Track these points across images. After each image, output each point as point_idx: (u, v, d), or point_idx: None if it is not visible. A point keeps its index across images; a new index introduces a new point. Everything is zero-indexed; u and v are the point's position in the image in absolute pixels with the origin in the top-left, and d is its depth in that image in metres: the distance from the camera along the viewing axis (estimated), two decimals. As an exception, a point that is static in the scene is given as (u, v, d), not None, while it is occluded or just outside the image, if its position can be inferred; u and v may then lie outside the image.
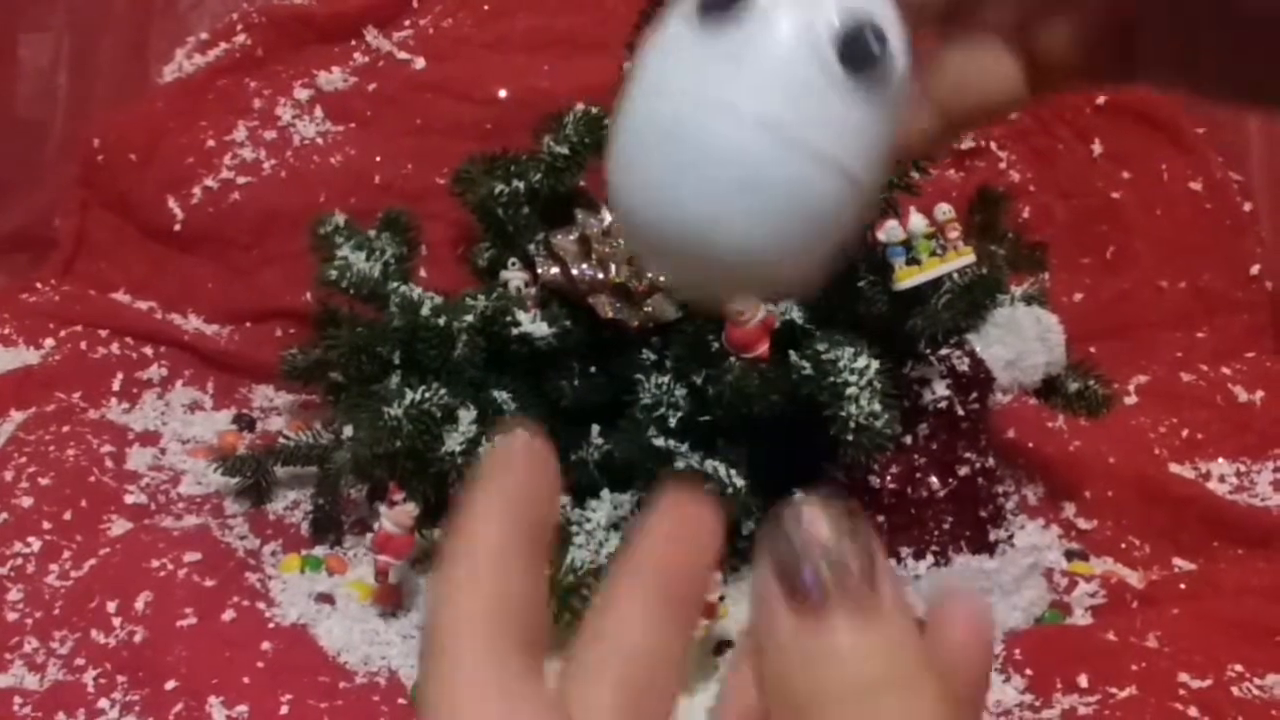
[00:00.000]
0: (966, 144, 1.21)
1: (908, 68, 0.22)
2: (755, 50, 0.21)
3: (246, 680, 0.75)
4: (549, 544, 0.24)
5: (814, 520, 0.20)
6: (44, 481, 0.92)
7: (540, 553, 0.23)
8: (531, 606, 0.22)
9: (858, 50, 0.21)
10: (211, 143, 1.19)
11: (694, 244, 0.21)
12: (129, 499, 0.93)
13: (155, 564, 0.83)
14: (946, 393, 0.91)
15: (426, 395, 0.83)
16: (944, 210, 0.89)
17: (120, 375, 1.11)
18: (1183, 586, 0.92)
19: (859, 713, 0.19)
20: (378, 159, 1.19)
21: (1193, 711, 0.74)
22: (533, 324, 0.88)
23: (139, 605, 0.80)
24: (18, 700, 0.73)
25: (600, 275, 0.90)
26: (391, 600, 0.88)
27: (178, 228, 1.18)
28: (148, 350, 1.15)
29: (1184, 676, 0.77)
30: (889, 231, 0.88)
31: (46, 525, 0.88)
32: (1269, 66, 0.27)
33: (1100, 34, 0.29)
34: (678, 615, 0.23)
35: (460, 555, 0.22)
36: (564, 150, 0.92)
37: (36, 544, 0.86)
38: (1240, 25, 0.27)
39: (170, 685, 0.74)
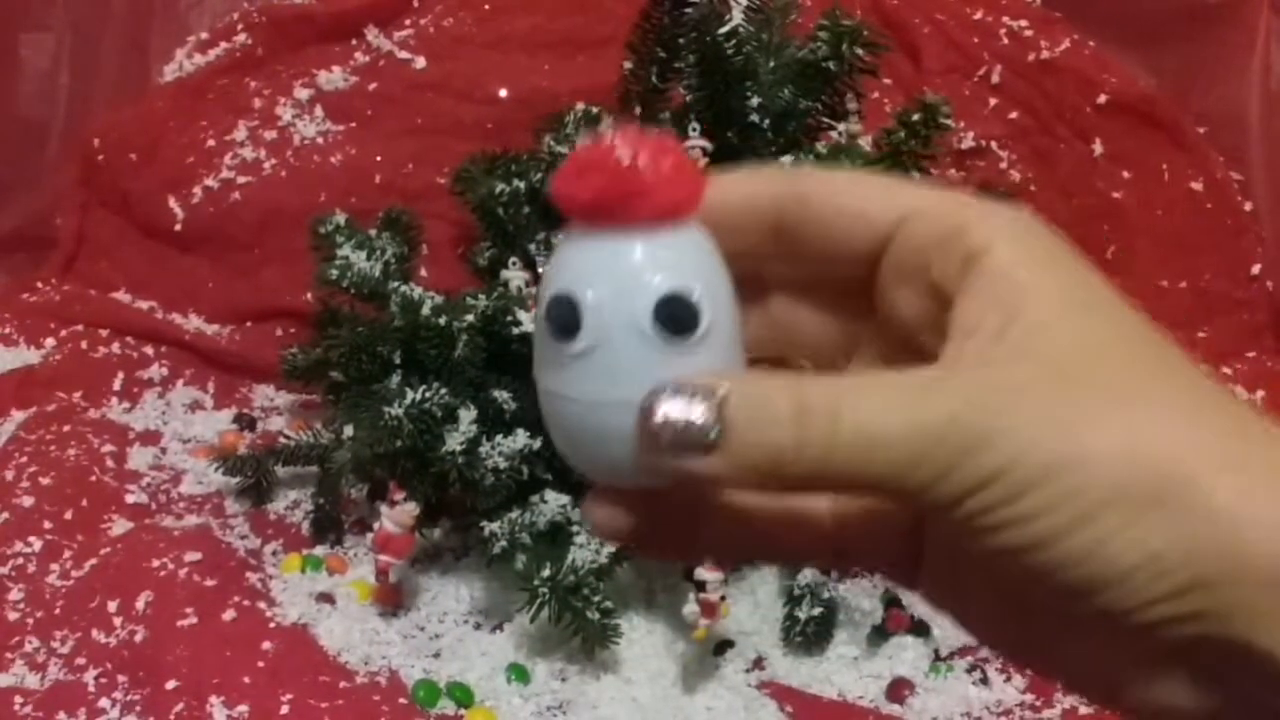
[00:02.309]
0: (967, 144, 1.21)
1: (731, 317, 0.27)
2: (598, 353, 0.26)
3: (247, 680, 0.75)
4: None
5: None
6: (45, 481, 0.92)
7: None
8: None
9: (674, 321, 0.25)
10: (212, 142, 1.19)
11: (605, 475, 0.28)
12: (130, 498, 0.94)
13: (156, 563, 0.84)
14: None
15: (427, 395, 0.83)
16: (945, 210, 0.89)
17: (121, 375, 1.11)
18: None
19: None
20: (378, 158, 1.19)
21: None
22: (533, 324, 0.88)
23: (140, 605, 0.80)
24: (18, 700, 0.73)
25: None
26: (392, 600, 0.88)
27: (178, 227, 1.18)
28: (148, 350, 1.15)
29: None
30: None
31: (47, 525, 0.88)
32: (1031, 630, 0.27)
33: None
34: None
35: None
36: (564, 150, 0.92)
37: (37, 543, 0.86)
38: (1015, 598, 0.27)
39: (171, 685, 0.74)
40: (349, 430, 0.85)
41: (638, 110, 0.95)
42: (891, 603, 0.89)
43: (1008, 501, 0.23)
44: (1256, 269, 1.23)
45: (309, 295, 1.07)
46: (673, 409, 0.24)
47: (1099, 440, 0.23)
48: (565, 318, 0.26)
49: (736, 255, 0.28)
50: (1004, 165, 1.23)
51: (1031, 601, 0.26)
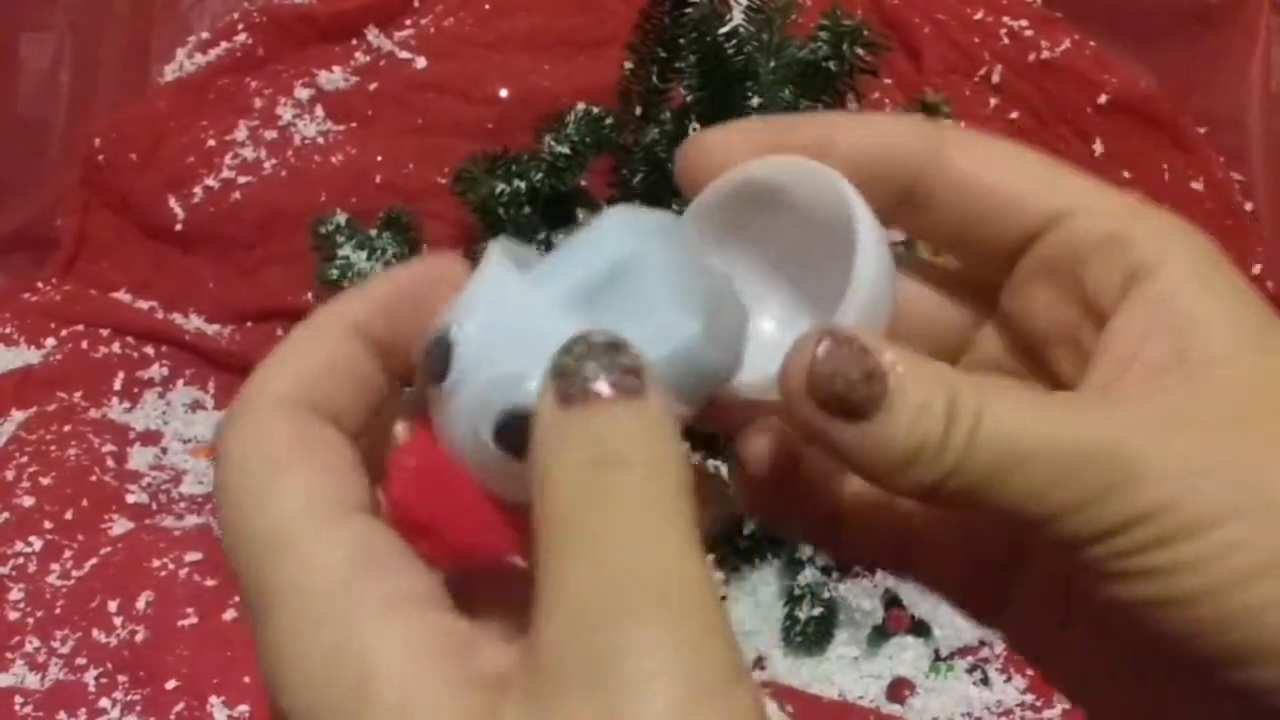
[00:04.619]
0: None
1: None
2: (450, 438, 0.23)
3: (248, 680, 0.75)
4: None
5: (594, 334, 0.21)
6: (45, 481, 0.92)
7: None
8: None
9: (510, 438, 0.22)
10: (212, 142, 1.19)
11: None
12: (130, 498, 0.94)
13: (156, 563, 0.84)
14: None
15: (427, 395, 0.83)
16: (945, 210, 0.89)
17: (121, 375, 1.11)
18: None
19: (598, 480, 0.19)
20: (379, 158, 1.19)
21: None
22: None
23: (140, 604, 0.80)
24: (19, 699, 0.73)
25: (601, 275, 0.90)
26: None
27: (179, 227, 1.18)
28: (149, 350, 1.15)
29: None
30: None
31: (48, 524, 0.88)
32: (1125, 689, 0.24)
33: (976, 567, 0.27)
34: (377, 345, 0.24)
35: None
36: (565, 150, 0.92)
37: (38, 543, 0.86)
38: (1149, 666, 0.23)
39: (171, 685, 0.74)
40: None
41: (638, 110, 0.95)
42: (892, 603, 0.89)
43: (1157, 546, 0.21)
44: (1257, 269, 1.22)
45: (310, 295, 1.07)
46: (841, 359, 0.21)
47: (1275, 492, 0.21)
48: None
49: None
50: (1004, 165, 1.22)
51: (1153, 665, 0.23)
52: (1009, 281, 0.26)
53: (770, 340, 0.25)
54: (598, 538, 0.19)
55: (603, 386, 0.20)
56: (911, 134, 0.25)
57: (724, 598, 0.82)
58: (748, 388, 0.25)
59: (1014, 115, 1.22)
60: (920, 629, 0.88)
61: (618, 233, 0.23)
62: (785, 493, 0.27)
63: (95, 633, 0.78)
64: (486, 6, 1.24)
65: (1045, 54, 1.22)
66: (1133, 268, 0.23)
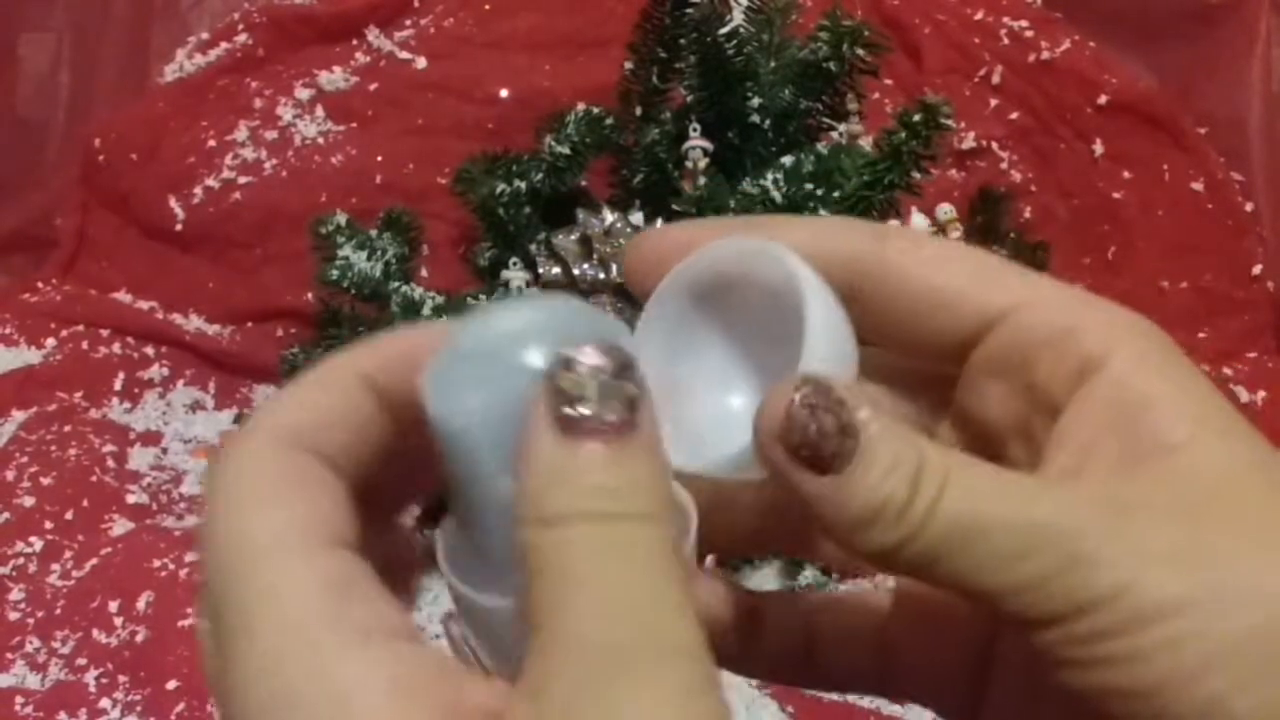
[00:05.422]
0: (967, 144, 1.21)
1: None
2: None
3: (248, 680, 0.75)
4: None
5: (593, 356, 0.20)
6: (45, 481, 0.92)
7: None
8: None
9: None
10: (212, 142, 1.19)
11: None
12: (130, 499, 0.94)
13: (157, 564, 0.83)
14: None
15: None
16: (945, 210, 0.89)
17: (122, 375, 1.11)
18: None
19: (596, 532, 0.20)
20: (379, 159, 1.19)
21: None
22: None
23: (140, 605, 0.80)
24: (19, 700, 0.73)
25: (602, 275, 0.90)
26: (393, 600, 0.88)
27: (179, 227, 1.18)
28: (149, 350, 1.15)
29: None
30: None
31: (48, 525, 0.88)
32: None
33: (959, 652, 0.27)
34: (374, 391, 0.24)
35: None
36: (565, 150, 0.92)
37: (38, 543, 0.86)
38: None
39: (172, 685, 0.74)
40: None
41: (638, 110, 0.95)
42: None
43: (1116, 633, 0.20)
44: (1257, 269, 1.23)
45: (310, 295, 1.07)
46: (817, 408, 0.22)
47: (1235, 579, 0.20)
48: None
49: None
50: (1004, 165, 1.23)
51: None
52: (961, 378, 0.26)
53: (739, 418, 0.24)
54: (600, 594, 0.19)
55: (606, 419, 0.20)
56: (853, 236, 0.25)
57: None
58: (715, 465, 0.24)
59: (1014, 115, 1.22)
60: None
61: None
62: (754, 631, 0.28)
63: (96, 633, 0.78)
64: (486, 6, 1.24)
65: (1045, 54, 1.22)
66: (1083, 358, 0.23)
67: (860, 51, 0.88)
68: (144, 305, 1.20)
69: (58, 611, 0.80)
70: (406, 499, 0.28)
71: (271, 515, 0.21)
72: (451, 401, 0.22)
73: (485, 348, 0.23)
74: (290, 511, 0.21)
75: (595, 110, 0.94)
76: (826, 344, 0.23)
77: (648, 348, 0.26)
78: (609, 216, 0.91)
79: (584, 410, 0.20)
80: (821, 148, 0.90)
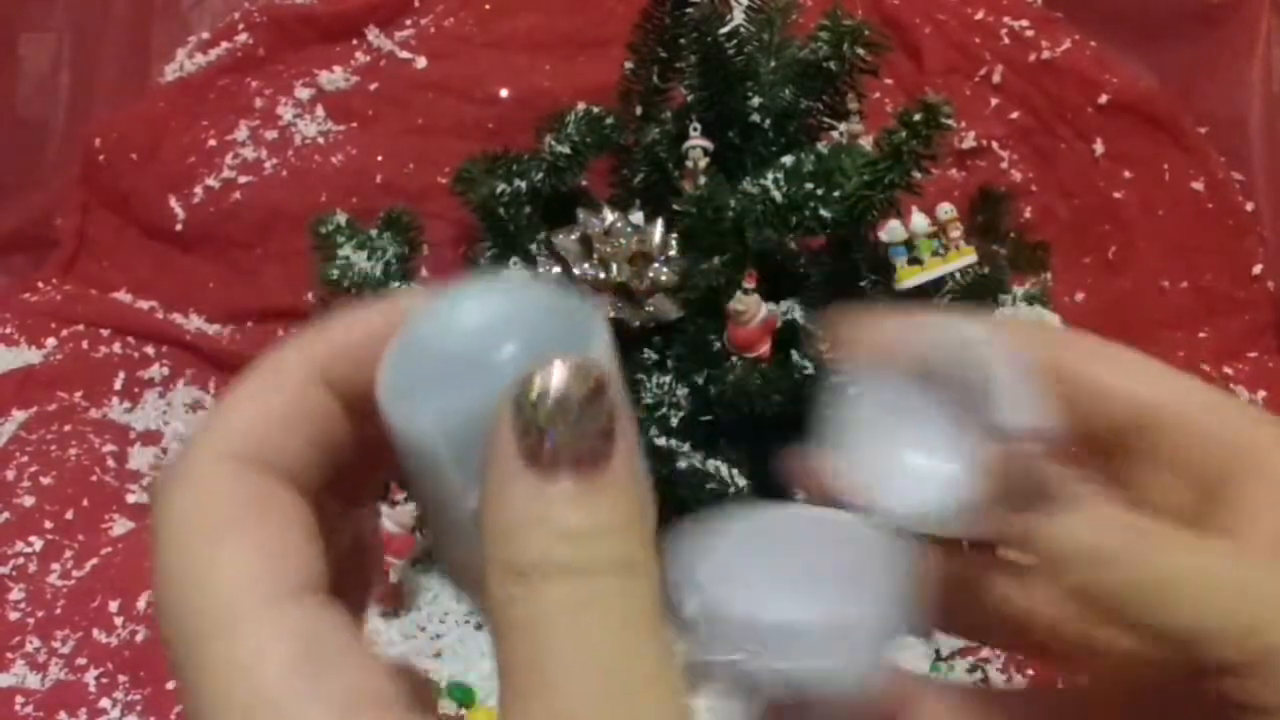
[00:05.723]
0: (968, 144, 1.21)
1: None
2: None
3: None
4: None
5: (564, 380, 0.19)
6: (46, 481, 0.92)
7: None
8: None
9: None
10: (213, 142, 1.19)
11: None
12: (131, 498, 0.94)
13: (157, 563, 0.84)
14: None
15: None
16: (946, 210, 0.89)
17: (122, 375, 1.11)
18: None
19: (569, 590, 0.19)
20: (379, 158, 1.19)
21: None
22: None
23: (140, 604, 0.80)
24: (20, 699, 0.73)
25: (602, 275, 0.89)
26: (392, 600, 0.88)
27: (179, 227, 1.18)
28: (149, 350, 1.15)
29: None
30: (891, 231, 0.88)
31: (48, 524, 0.88)
32: None
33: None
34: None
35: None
36: (565, 150, 0.92)
37: (38, 543, 0.86)
38: None
39: (172, 685, 0.74)
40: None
41: (638, 110, 0.95)
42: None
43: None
44: (1258, 269, 1.22)
45: (310, 295, 1.07)
46: (1026, 454, 0.24)
47: None
48: None
49: None
50: (1005, 165, 1.23)
51: None
52: (1127, 473, 0.27)
53: (922, 471, 0.26)
54: (576, 665, 0.18)
55: (578, 448, 0.19)
56: (1031, 338, 0.28)
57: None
58: (903, 519, 0.26)
59: (1015, 115, 1.22)
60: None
61: None
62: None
63: (96, 633, 0.78)
64: (486, 6, 1.24)
65: (1045, 54, 1.22)
66: (1251, 451, 0.26)
67: (860, 51, 0.87)
68: (144, 305, 1.20)
69: (58, 611, 0.80)
70: (371, 485, 0.26)
71: (232, 558, 0.20)
72: (410, 409, 0.21)
73: (446, 345, 0.21)
74: (249, 555, 0.20)
75: (595, 110, 0.94)
76: (1029, 409, 0.25)
77: (865, 404, 0.28)
78: (609, 216, 0.91)
79: (551, 440, 0.19)
80: (822, 147, 0.90)
